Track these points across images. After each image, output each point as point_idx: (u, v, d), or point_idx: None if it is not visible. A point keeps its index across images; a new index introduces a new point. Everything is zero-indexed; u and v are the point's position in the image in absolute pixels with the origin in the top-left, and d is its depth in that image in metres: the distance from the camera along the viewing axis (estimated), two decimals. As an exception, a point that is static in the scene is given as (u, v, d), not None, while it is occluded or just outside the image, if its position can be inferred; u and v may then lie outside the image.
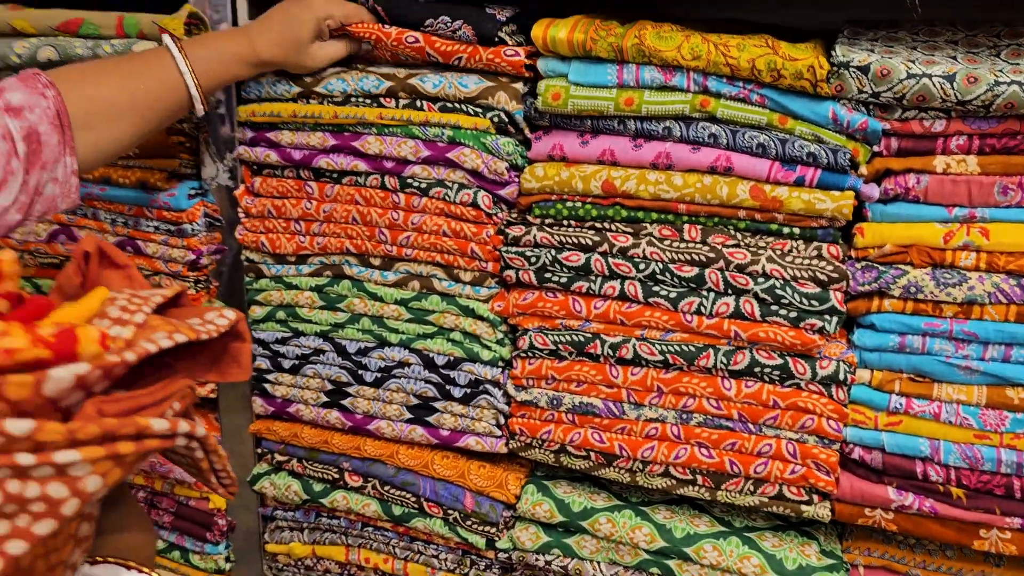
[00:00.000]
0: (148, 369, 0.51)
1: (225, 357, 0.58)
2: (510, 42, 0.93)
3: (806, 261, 0.88)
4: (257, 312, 1.11)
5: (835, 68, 0.83)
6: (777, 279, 0.87)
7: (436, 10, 0.93)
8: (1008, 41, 0.89)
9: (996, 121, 0.81)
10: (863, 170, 0.86)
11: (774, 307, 0.88)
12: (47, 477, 0.42)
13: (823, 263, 0.87)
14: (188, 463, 0.55)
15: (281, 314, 1.10)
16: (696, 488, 0.96)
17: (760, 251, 0.88)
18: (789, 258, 0.87)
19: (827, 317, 0.87)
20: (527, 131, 0.97)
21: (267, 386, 1.13)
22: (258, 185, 1.07)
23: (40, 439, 0.41)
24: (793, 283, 0.86)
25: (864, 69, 0.81)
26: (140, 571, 0.63)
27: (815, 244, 0.89)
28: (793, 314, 0.87)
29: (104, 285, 0.55)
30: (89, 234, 0.57)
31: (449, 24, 0.92)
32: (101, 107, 0.85)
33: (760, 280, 0.87)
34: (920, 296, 0.85)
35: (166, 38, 0.92)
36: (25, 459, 0.41)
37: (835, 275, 0.86)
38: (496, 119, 0.95)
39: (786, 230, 0.89)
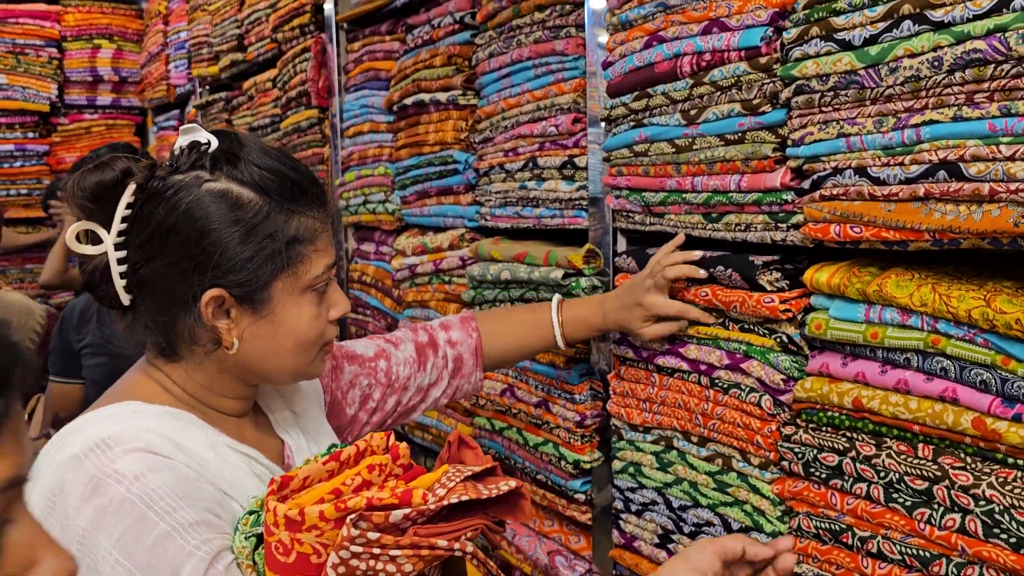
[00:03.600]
0: (459, 511, 0.91)
1: (515, 507, 0.95)
2: (770, 288, 1.19)
3: (1030, 492, 0.94)
4: (617, 465, 1.48)
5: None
6: (997, 505, 0.95)
7: (716, 261, 1.24)
8: None
9: None
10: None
11: (995, 530, 0.96)
12: (385, 561, 0.85)
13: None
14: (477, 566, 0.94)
15: (631, 469, 1.45)
16: None
17: (983, 476, 0.97)
18: (1009, 487, 0.95)
19: (1053, 549, 0.92)
20: (806, 348, 1.20)
21: (620, 522, 1.49)
22: (623, 372, 1.46)
23: (382, 543, 0.84)
24: (1011, 511, 0.94)
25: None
26: None
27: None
28: (1013, 539, 0.94)
29: (461, 459, 0.99)
30: (456, 430, 1.03)
31: (724, 271, 1.22)
32: (500, 344, 1.38)
33: (981, 503, 0.96)
34: None
35: (555, 300, 1.40)
36: (376, 551, 0.84)
37: (1061, 510, 0.91)
38: (779, 340, 1.20)
39: (1011, 460, 0.97)
